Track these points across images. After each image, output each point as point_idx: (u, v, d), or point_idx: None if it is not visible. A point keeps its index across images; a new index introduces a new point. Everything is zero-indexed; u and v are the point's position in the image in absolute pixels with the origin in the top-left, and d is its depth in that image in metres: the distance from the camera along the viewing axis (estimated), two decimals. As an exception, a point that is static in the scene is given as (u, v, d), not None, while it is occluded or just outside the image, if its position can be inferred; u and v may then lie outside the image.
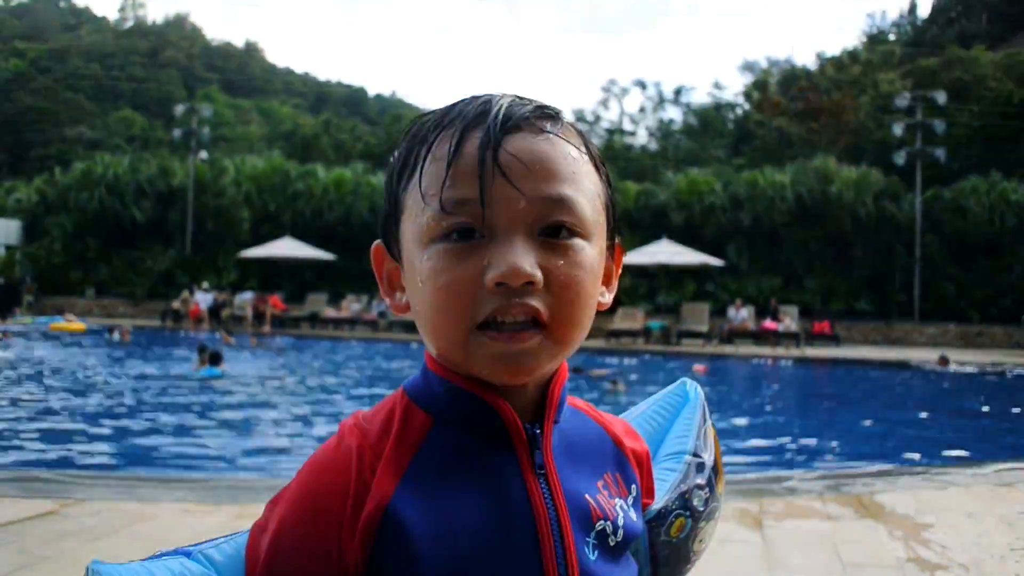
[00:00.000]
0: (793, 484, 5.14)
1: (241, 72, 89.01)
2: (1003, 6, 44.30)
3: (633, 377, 13.76)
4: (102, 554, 0.83)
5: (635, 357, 18.07)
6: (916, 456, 7.67)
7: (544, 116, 0.83)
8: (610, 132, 50.02)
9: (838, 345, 21.01)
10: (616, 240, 0.93)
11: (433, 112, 0.87)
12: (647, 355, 18.70)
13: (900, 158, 25.38)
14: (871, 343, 23.37)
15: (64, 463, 6.25)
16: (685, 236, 25.79)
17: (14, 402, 9.43)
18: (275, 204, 29.50)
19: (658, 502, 1.09)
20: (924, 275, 24.77)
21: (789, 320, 20.88)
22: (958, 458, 7.47)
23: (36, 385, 10.97)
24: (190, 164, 29.81)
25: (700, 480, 1.14)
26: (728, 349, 19.82)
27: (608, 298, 0.91)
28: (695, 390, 1.26)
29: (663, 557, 1.09)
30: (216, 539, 0.90)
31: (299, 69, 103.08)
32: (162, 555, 0.86)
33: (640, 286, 25.62)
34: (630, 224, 27.32)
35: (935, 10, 48.33)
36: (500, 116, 0.80)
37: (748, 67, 59.27)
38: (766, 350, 19.54)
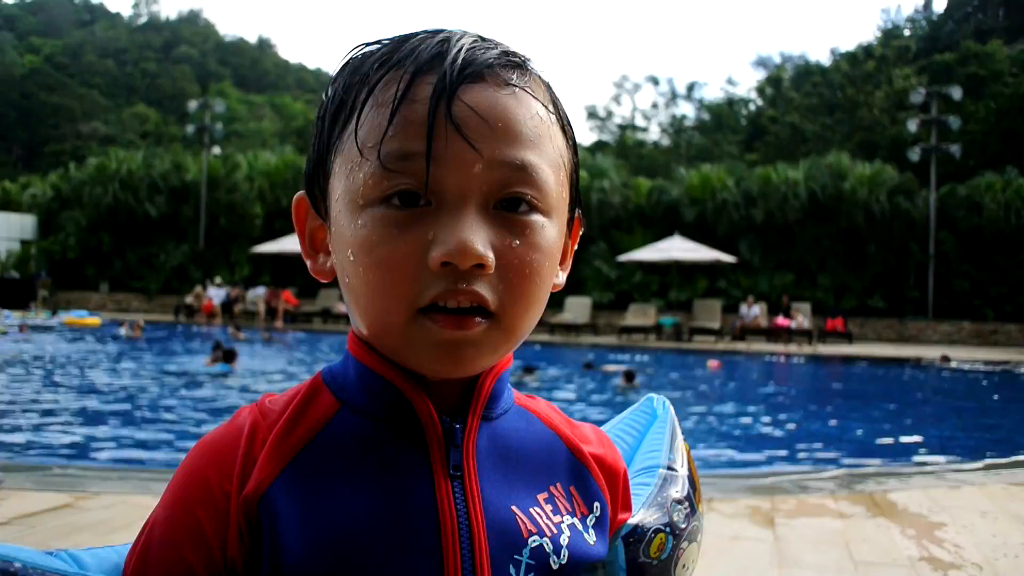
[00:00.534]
0: (805, 482, 5.12)
1: (254, 68, 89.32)
2: (1020, 0, 43.92)
3: (648, 371, 13.74)
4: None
5: (647, 354, 18.04)
6: (928, 454, 7.63)
7: (510, 64, 0.72)
8: (622, 128, 49.97)
9: (851, 342, 20.91)
10: (576, 213, 0.82)
11: (378, 44, 0.75)
12: (659, 351, 18.67)
13: (915, 154, 25.20)
14: (884, 340, 23.26)
15: (79, 456, 6.31)
16: (697, 232, 25.70)
17: (30, 395, 9.51)
18: (287, 199, 29.54)
19: (633, 517, 0.94)
20: (938, 272, 24.60)
21: (802, 317, 20.80)
22: (971, 457, 7.43)
23: (49, 379, 11.05)
24: (203, 159, 29.94)
25: (678, 494, 1.01)
26: (740, 346, 19.76)
27: (562, 279, 0.80)
28: (663, 405, 1.15)
29: None
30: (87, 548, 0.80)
31: (311, 65, 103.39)
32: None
33: (652, 282, 25.57)
34: (642, 220, 27.25)
35: (951, 5, 47.94)
36: (459, 60, 0.68)
37: (761, 63, 59.02)
38: (778, 347, 19.47)
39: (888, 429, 9.35)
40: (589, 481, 0.84)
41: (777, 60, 56.98)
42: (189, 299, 25.14)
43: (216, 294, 24.48)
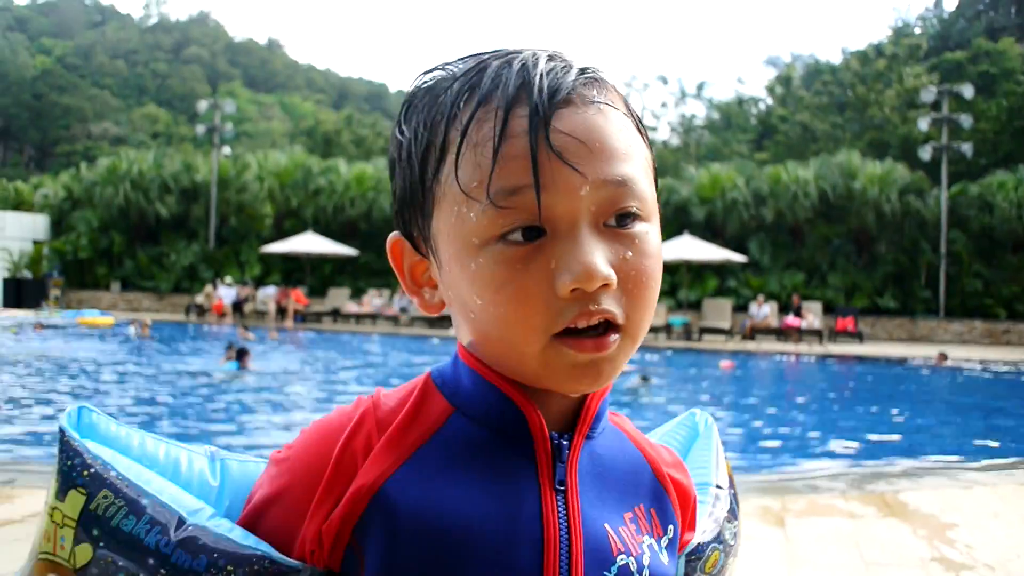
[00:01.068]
0: (815, 482, 5.11)
1: (263, 68, 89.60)
2: (1032, -2, 43.63)
3: (660, 372, 13.72)
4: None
5: (657, 353, 18.02)
6: (940, 454, 7.60)
7: (589, 82, 0.74)
8: (631, 127, 49.86)
9: (862, 342, 20.83)
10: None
11: (448, 75, 0.76)
12: (669, 351, 18.64)
13: (926, 153, 25.07)
14: (895, 340, 23.16)
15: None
16: (707, 232, 25.64)
17: (42, 392, 9.57)
18: (297, 199, 29.67)
19: (696, 536, 0.99)
20: (950, 272, 24.48)
21: (812, 317, 20.73)
22: (983, 457, 7.39)
23: (64, 377, 11.12)
24: (213, 159, 30.04)
25: (727, 512, 1.06)
26: (750, 346, 19.71)
27: None
28: (705, 421, 1.18)
29: None
30: (243, 456, 0.89)
31: (321, 65, 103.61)
32: (186, 444, 0.87)
33: (662, 281, 25.48)
34: (651, 220, 27.14)
35: (962, 3, 47.70)
36: (546, 89, 0.70)
37: (772, 62, 58.90)
38: (789, 347, 19.41)
39: (899, 429, 9.32)
40: (667, 504, 0.87)
41: (787, 59, 56.88)
42: (200, 299, 25.25)
43: (226, 294, 24.57)
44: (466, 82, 0.73)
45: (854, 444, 8.16)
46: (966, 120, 24.99)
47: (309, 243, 26.67)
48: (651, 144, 0.81)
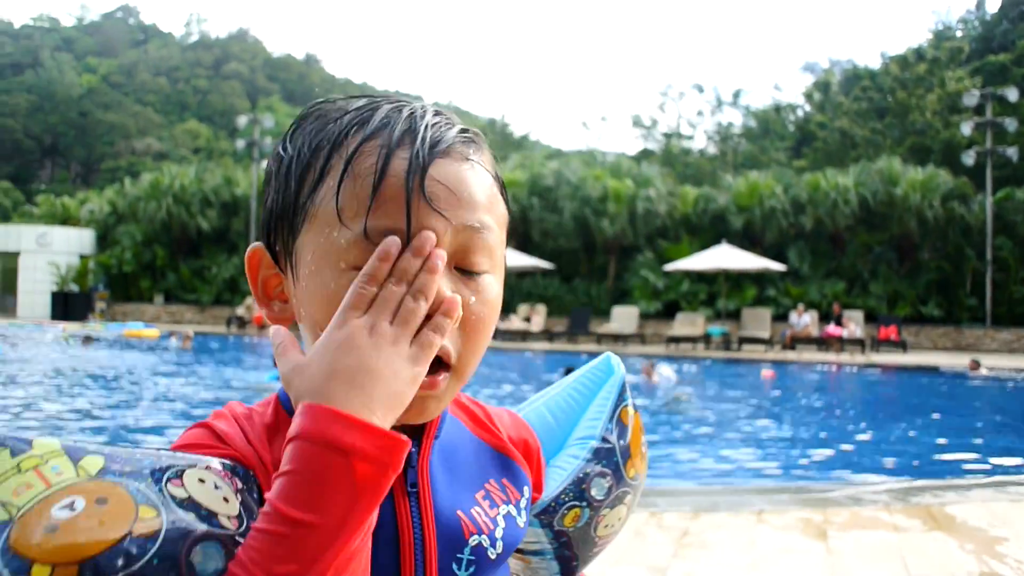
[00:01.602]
0: (858, 494, 5.02)
1: (301, 83, 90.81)
2: (1078, -1, 42.65)
3: (697, 378, 13.61)
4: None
5: (695, 363, 17.87)
6: (987, 466, 7.42)
7: (466, 140, 0.81)
8: (667, 136, 49.62)
9: (905, 351, 20.44)
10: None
11: (340, 108, 0.82)
12: (708, 361, 18.47)
13: (969, 158, 24.57)
14: (940, 349, 22.68)
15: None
16: (745, 240, 25.40)
17: (84, 404, 9.76)
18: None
19: (550, 494, 1.07)
20: (996, 278, 23.93)
21: (854, 326, 20.40)
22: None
23: (104, 387, 11.33)
24: (253, 173, 30.51)
25: (604, 468, 1.10)
26: (791, 355, 19.44)
27: None
28: (618, 365, 1.20)
29: (565, 541, 1.09)
30: None
31: (358, 79, 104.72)
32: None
33: (700, 291, 25.32)
34: (689, 229, 27.02)
35: (1005, 4, 46.76)
36: (428, 139, 0.77)
37: (809, 68, 58.32)
38: (830, 356, 19.11)
39: (945, 440, 9.12)
40: (516, 468, 0.95)
41: (825, 65, 56.27)
42: (240, 311, 25.61)
43: (266, 306, 24.84)
44: (357, 116, 0.79)
45: (898, 456, 8.00)
46: (1011, 124, 24.47)
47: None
48: (508, 204, 0.88)
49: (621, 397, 1.16)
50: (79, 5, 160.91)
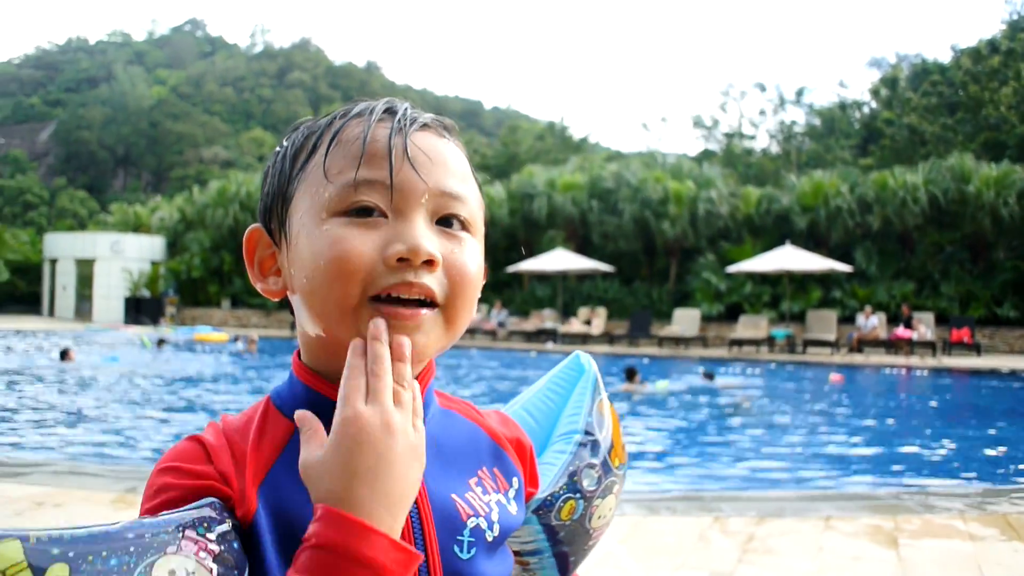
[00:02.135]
0: (931, 501, 4.87)
1: (362, 90, 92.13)
2: None
3: (760, 381, 13.38)
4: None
5: (759, 366, 17.56)
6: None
7: (443, 125, 0.89)
8: (729, 136, 48.91)
9: (979, 354, 19.74)
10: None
11: (326, 114, 0.90)
12: (772, 364, 18.14)
13: (1047, 153, 23.67)
14: (1017, 352, 21.85)
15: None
16: (809, 241, 24.88)
17: (138, 406, 10.06)
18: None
19: (545, 488, 1.10)
20: (1076, 278, 22.96)
21: (924, 328, 19.79)
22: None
23: (168, 391, 11.67)
24: (316, 180, 31.06)
25: (592, 460, 1.14)
26: (858, 359, 18.96)
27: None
28: (589, 363, 1.25)
29: (560, 537, 1.11)
30: None
31: (417, 85, 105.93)
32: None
33: (763, 293, 24.88)
34: (752, 230, 26.59)
35: (1084, -7, 44.91)
36: (408, 115, 0.85)
37: (875, 63, 56.91)
38: (900, 359, 18.58)
39: (1021, 446, 8.79)
40: (506, 459, 0.98)
41: (892, 60, 54.79)
42: (304, 315, 26.07)
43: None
44: (341, 109, 0.89)
45: (972, 462, 7.74)
46: (1092, 117, 23.49)
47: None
48: (483, 200, 0.93)
49: (596, 392, 1.21)
50: (150, 19, 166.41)
